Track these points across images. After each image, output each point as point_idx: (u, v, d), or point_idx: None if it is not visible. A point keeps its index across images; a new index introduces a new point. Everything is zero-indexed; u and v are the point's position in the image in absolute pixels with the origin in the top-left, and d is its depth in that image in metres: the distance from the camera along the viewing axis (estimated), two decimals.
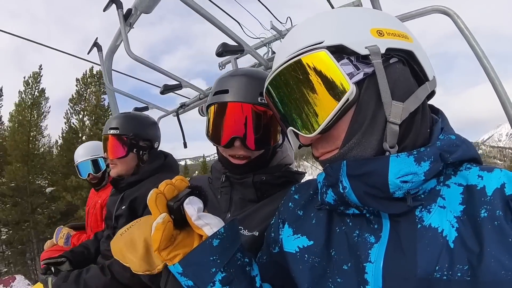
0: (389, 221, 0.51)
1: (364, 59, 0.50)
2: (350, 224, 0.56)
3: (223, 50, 1.17)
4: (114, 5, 1.38)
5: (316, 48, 0.51)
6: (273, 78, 0.56)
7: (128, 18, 1.49)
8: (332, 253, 0.56)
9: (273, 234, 0.69)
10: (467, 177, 0.50)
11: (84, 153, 2.34)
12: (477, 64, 1.02)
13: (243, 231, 0.86)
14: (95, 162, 2.31)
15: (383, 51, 0.50)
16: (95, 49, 1.76)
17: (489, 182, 0.47)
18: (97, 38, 1.71)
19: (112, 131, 1.50)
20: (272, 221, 0.73)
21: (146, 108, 2.10)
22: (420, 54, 0.53)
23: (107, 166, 2.30)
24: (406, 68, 0.52)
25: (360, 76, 0.50)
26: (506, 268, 0.40)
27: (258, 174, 0.91)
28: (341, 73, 0.48)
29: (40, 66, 17.49)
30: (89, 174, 2.30)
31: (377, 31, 0.51)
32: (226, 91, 0.87)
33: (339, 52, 0.50)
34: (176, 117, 2.03)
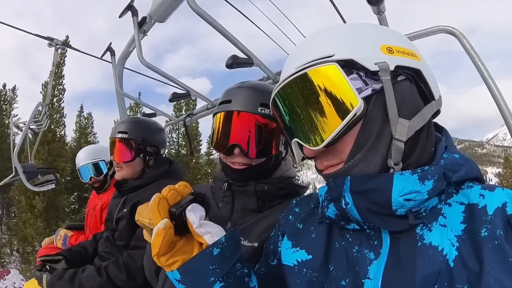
0: (389, 237, 0.51)
1: (373, 75, 0.50)
2: (350, 239, 0.56)
3: (233, 62, 1.21)
4: (129, 12, 1.43)
5: (327, 61, 0.51)
6: (281, 89, 0.55)
7: (142, 25, 1.55)
8: (331, 268, 0.55)
9: (272, 246, 0.69)
10: (468, 196, 0.49)
11: (85, 157, 2.35)
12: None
13: (243, 242, 0.86)
14: (96, 166, 2.32)
15: (392, 68, 0.50)
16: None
17: (490, 201, 0.47)
18: (111, 43, 1.76)
19: (120, 135, 1.52)
20: (272, 233, 0.73)
21: (154, 115, 2.13)
22: (427, 73, 0.54)
23: (109, 169, 2.33)
24: (413, 86, 0.53)
25: (368, 91, 0.50)
26: None
27: (260, 183, 0.92)
28: (350, 88, 0.48)
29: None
30: (90, 178, 2.31)
31: (387, 48, 0.52)
32: (229, 101, 0.91)
33: (349, 66, 0.50)
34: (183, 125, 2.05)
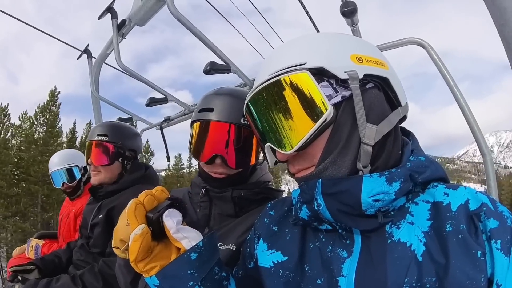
0: (361, 236, 0.53)
1: (342, 83, 0.53)
2: (324, 239, 0.58)
3: (211, 68, 1.23)
4: (109, 14, 1.41)
5: (299, 69, 0.53)
6: (254, 95, 0.57)
7: (121, 28, 1.53)
8: (306, 268, 0.57)
9: (248, 249, 0.70)
10: (434, 195, 0.53)
11: (58, 161, 2.25)
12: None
13: (221, 246, 0.87)
14: (69, 171, 2.22)
15: (360, 76, 0.52)
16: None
17: (454, 199, 0.51)
18: (88, 44, 1.72)
19: (100, 138, 1.49)
20: (248, 237, 0.74)
21: (130, 119, 2.08)
22: (395, 81, 0.57)
23: (83, 175, 2.25)
24: (381, 93, 0.55)
25: (338, 98, 0.52)
26: (470, 278, 0.43)
27: (237, 189, 0.93)
28: (321, 95, 0.51)
29: None
30: (63, 184, 2.21)
31: (356, 57, 0.54)
32: (211, 110, 0.90)
33: (320, 74, 0.52)
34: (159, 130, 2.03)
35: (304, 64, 0.53)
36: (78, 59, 1.74)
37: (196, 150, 0.92)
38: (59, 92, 20.52)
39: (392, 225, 0.52)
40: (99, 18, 1.40)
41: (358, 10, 1.03)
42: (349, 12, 1.03)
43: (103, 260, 1.32)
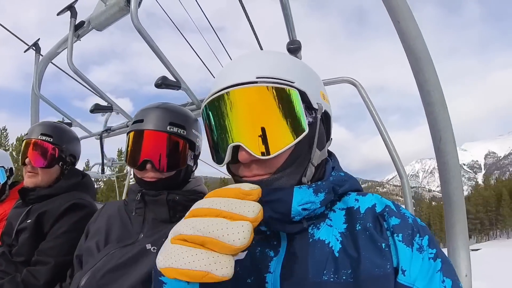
0: (286, 237, 0.60)
1: (308, 110, 0.60)
2: (253, 242, 0.65)
3: (162, 83, 1.32)
4: (68, 12, 1.39)
5: (289, 85, 0.57)
6: (237, 91, 0.56)
7: (78, 29, 1.51)
8: (238, 269, 0.62)
9: None
10: (347, 202, 0.63)
11: None
12: (382, 116, 1.34)
13: (155, 250, 0.93)
14: None
15: (323, 111, 0.62)
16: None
17: (362, 204, 0.61)
18: (38, 39, 1.64)
19: (44, 138, 1.38)
20: None
21: (69, 125, 1.98)
22: (330, 115, 0.67)
23: (8, 177, 2.02)
24: (322, 126, 0.65)
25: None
26: (378, 266, 0.52)
27: (172, 193, 1.01)
28: (304, 115, 0.56)
29: None
30: None
31: (322, 93, 0.64)
32: (142, 121, 1.02)
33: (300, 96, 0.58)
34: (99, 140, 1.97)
35: (294, 83, 0.58)
36: (25, 52, 1.64)
37: (129, 158, 1.03)
38: None
39: (314, 227, 0.60)
40: (58, 14, 1.37)
41: (302, 48, 1.21)
42: (294, 49, 1.22)
43: (27, 270, 1.20)
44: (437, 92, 0.91)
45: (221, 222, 0.41)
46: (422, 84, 0.94)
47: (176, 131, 1.02)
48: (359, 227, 0.58)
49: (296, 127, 0.56)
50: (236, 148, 0.57)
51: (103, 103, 1.72)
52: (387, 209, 0.59)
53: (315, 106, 0.60)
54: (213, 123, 0.60)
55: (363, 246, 0.55)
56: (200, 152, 1.15)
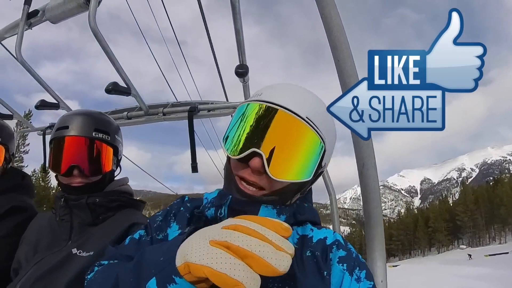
0: None
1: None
2: None
3: (113, 89, 1.32)
4: None
5: (323, 140, 0.67)
6: (289, 114, 0.64)
7: (31, 17, 1.44)
8: None
9: (161, 223, 0.77)
10: (304, 230, 0.72)
11: None
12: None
13: (80, 253, 0.95)
14: None
15: (323, 170, 0.74)
16: None
17: (316, 235, 0.70)
18: None
19: None
20: (164, 214, 0.80)
21: (10, 117, 1.83)
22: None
23: None
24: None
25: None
26: None
27: (92, 196, 1.04)
28: (315, 166, 0.67)
29: None
30: None
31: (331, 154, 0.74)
32: (66, 127, 1.03)
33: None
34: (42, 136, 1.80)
35: (325, 140, 0.68)
36: None
37: (54, 164, 1.03)
38: None
39: None
40: None
41: (249, 72, 1.31)
42: (241, 73, 1.32)
43: None
44: None
45: (269, 246, 0.45)
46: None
47: (101, 136, 1.05)
48: (309, 254, 0.67)
49: (306, 171, 0.66)
50: (254, 154, 0.63)
51: (51, 100, 1.64)
52: (336, 243, 0.68)
53: (322, 164, 0.70)
54: (252, 122, 0.66)
55: (309, 271, 0.64)
56: (121, 157, 1.19)
